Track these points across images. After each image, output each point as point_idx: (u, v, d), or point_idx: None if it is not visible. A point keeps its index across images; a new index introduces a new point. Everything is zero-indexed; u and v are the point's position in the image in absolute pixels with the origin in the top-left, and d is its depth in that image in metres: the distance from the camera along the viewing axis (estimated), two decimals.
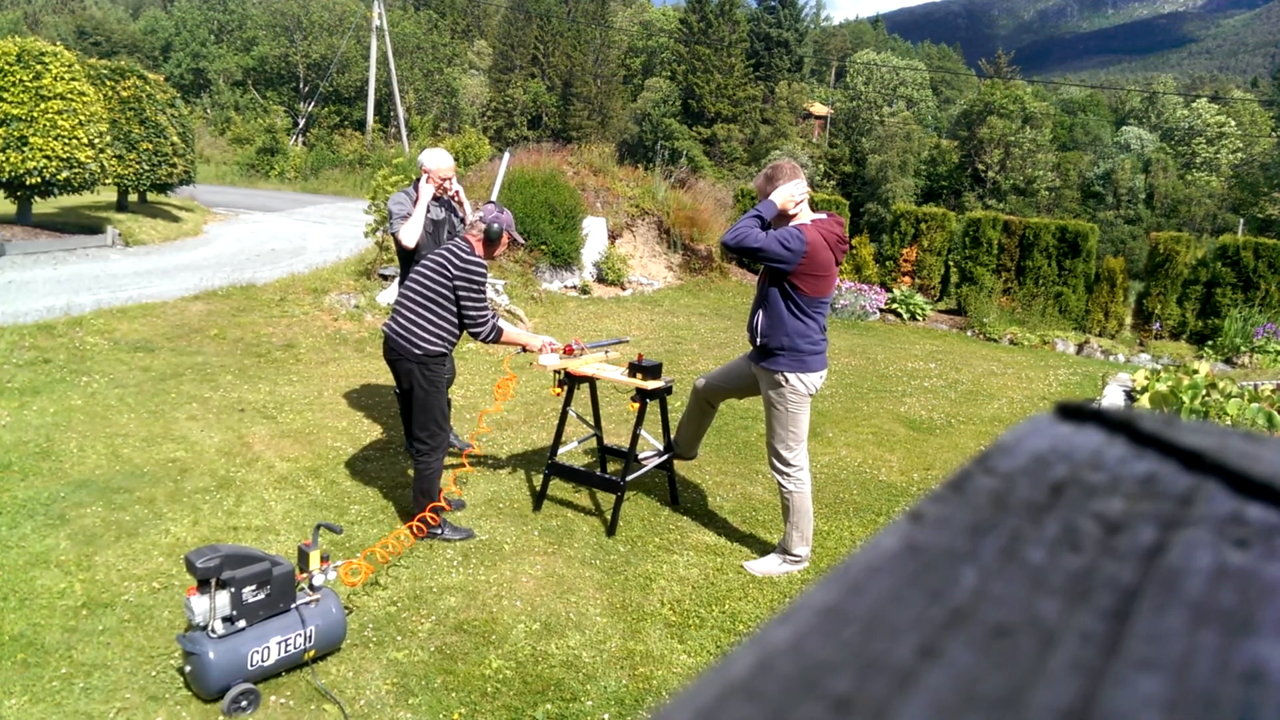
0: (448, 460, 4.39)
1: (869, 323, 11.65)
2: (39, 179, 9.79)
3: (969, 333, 11.53)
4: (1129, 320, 11.74)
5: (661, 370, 4.34)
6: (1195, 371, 7.32)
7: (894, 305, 12.05)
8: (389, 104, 32.59)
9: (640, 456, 4.57)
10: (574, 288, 11.14)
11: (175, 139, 13.06)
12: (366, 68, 32.18)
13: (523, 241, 4.75)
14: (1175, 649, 0.21)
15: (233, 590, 2.79)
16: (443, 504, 4.04)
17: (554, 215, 10.69)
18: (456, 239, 4.06)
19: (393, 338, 3.95)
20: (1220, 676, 0.20)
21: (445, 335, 3.93)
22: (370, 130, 31.44)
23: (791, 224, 3.74)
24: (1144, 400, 6.66)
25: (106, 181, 11.27)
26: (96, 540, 3.78)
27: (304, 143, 33.35)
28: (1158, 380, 7.15)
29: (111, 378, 5.93)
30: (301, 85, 39.52)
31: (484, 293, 3.95)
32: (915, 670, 0.21)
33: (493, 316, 3.96)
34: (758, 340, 3.85)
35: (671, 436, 4.57)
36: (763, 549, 4.20)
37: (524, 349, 4.26)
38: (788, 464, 3.89)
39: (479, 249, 3.94)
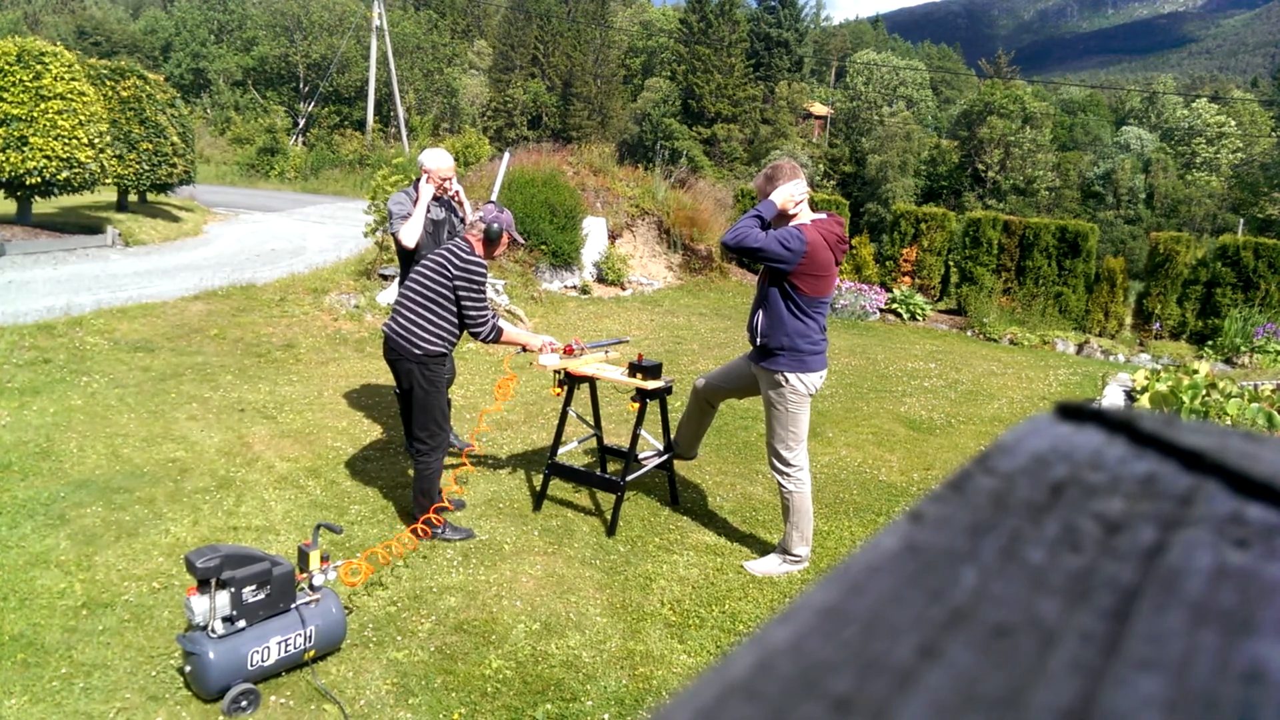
0: (448, 460, 4.39)
1: (869, 323, 11.65)
2: (39, 179, 9.79)
3: (969, 333, 11.53)
4: (1129, 320, 11.73)
5: (661, 370, 4.34)
6: (1195, 371, 7.32)
7: (894, 305, 12.05)
8: (389, 104, 32.59)
9: (640, 456, 4.57)
10: (574, 288, 11.13)
11: (175, 139, 13.06)
12: (366, 68, 32.18)
13: (523, 241, 4.74)
14: (1175, 649, 0.21)
15: (233, 590, 2.79)
16: (445, 503, 4.05)
17: (554, 215, 10.69)
18: (456, 239, 4.06)
19: (393, 338, 3.95)
20: (1220, 676, 0.20)
21: (445, 335, 3.93)
22: (370, 130, 31.44)
23: (791, 224, 3.74)
24: (1144, 400, 6.66)
25: (106, 181, 11.27)
26: (96, 540, 3.78)
27: (304, 143, 33.35)
28: (1158, 380, 7.15)
29: (111, 378, 5.93)
30: (301, 85, 39.53)
31: (484, 293, 3.95)
32: (915, 670, 0.21)
33: (493, 316, 3.96)
34: (758, 340, 3.85)
35: (671, 436, 4.57)
36: (763, 549, 4.20)
37: (524, 349, 4.26)
38: (788, 464, 3.89)
39: (479, 249, 3.94)
